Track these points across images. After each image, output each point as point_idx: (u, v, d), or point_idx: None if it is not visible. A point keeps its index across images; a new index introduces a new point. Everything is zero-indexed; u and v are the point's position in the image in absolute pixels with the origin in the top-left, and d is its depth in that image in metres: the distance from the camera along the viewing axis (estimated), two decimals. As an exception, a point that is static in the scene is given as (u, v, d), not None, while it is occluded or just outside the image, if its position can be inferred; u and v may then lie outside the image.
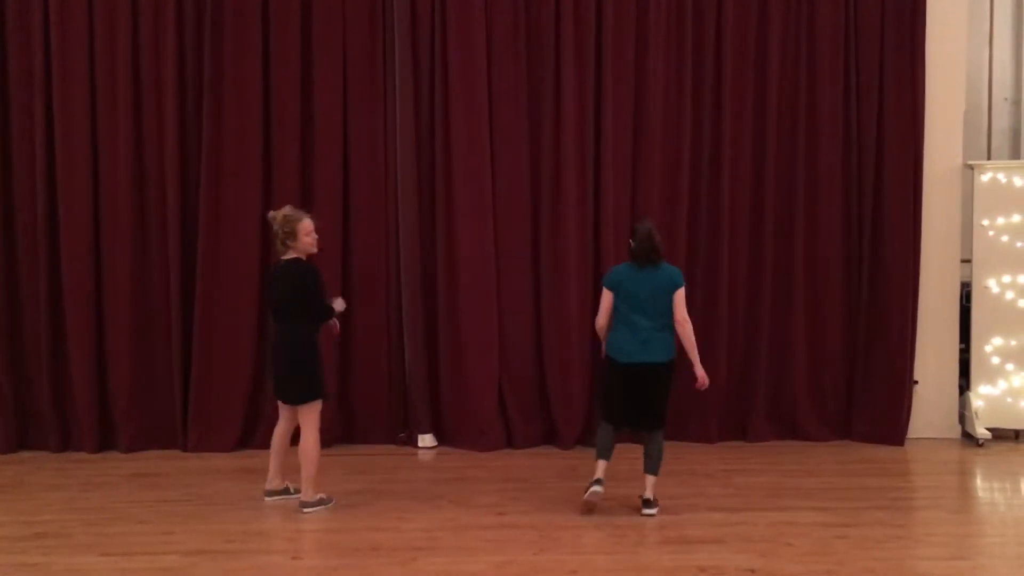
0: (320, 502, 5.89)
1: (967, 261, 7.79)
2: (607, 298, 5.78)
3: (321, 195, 7.41)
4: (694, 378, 5.78)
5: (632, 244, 5.77)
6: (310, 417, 5.80)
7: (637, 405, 5.74)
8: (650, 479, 5.80)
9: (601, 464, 5.80)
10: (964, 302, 7.85)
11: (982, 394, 7.70)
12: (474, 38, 7.34)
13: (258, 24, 7.30)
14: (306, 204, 7.39)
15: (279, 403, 5.96)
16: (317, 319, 5.84)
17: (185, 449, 7.34)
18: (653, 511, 5.75)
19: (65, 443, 7.39)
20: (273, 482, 6.10)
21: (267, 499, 6.05)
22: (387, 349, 7.54)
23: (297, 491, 6.13)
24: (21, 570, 4.91)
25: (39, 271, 7.26)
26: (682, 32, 7.57)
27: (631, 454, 7.25)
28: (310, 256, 5.87)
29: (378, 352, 7.52)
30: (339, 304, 6.01)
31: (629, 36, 7.49)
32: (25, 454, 7.31)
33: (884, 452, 7.43)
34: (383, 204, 7.50)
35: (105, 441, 7.38)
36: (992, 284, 7.67)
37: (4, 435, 7.30)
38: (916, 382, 7.73)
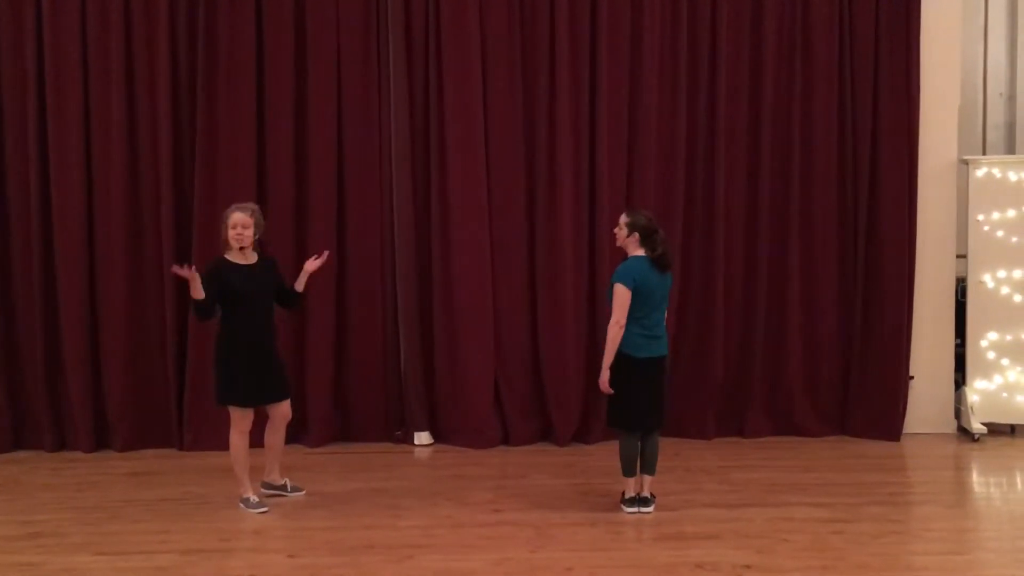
0: (244, 501, 5.86)
1: (962, 256, 7.79)
2: (628, 297, 5.58)
3: (315, 191, 7.39)
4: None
5: (655, 248, 5.63)
6: (231, 419, 5.79)
7: (651, 402, 5.71)
8: (648, 479, 5.80)
9: (633, 481, 5.79)
10: (959, 297, 7.85)
11: (978, 389, 7.70)
12: (468, 32, 7.31)
13: (252, 22, 7.27)
14: (300, 201, 7.45)
15: None
16: (196, 315, 5.73)
17: (180, 448, 7.32)
18: (651, 508, 5.75)
19: (60, 442, 7.37)
20: (271, 475, 6.13)
21: (262, 489, 6.08)
22: (382, 346, 7.52)
23: (295, 489, 6.14)
24: (16, 570, 4.90)
25: (33, 268, 7.23)
26: (676, 27, 7.55)
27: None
28: (261, 253, 5.88)
29: (373, 349, 7.51)
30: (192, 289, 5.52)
31: (624, 31, 7.47)
32: (20, 453, 7.29)
33: (880, 447, 7.43)
34: (378, 200, 7.47)
35: (100, 440, 7.36)
36: (987, 279, 7.67)
37: (-1, 435, 7.29)
38: (912, 377, 7.73)
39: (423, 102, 7.46)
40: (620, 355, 5.63)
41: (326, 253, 6.12)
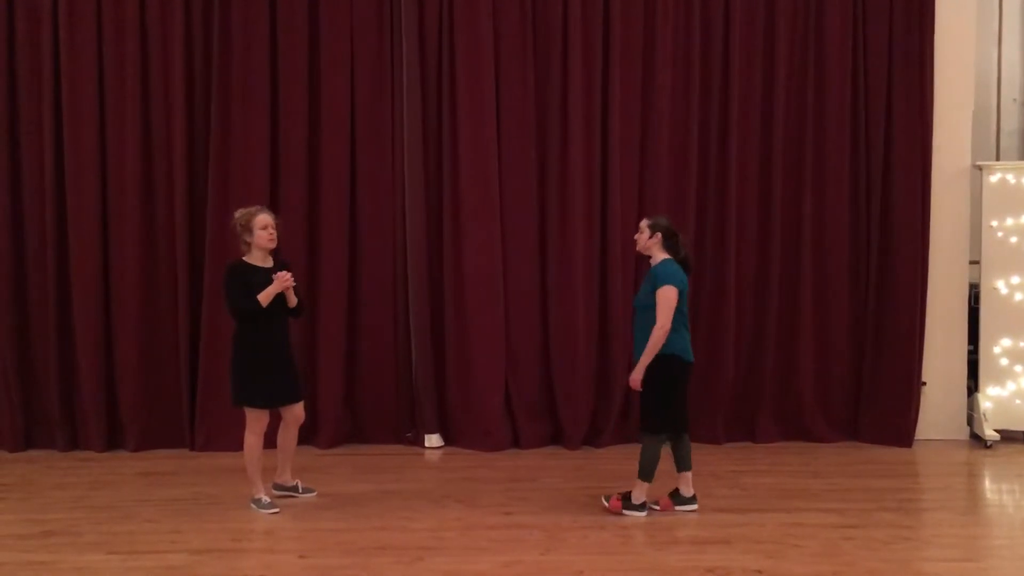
0: (256, 502, 5.87)
1: (975, 262, 7.77)
2: (676, 297, 5.55)
3: (328, 196, 7.43)
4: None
5: (679, 251, 5.69)
6: (247, 420, 5.80)
7: (686, 404, 5.78)
8: (689, 475, 5.82)
9: (650, 487, 5.78)
10: (972, 303, 7.82)
11: (990, 395, 7.67)
12: (481, 38, 7.34)
13: (266, 26, 7.31)
14: (313, 206, 7.47)
15: None
16: (237, 319, 5.73)
17: (192, 448, 7.36)
18: (696, 506, 5.81)
19: (73, 442, 7.41)
20: (283, 476, 6.16)
21: (274, 490, 6.11)
22: (394, 349, 7.54)
23: (306, 491, 6.16)
24: (29, 568, 4.92)
25: (47, 269, 7.28)
26: (690, 33, 7.56)
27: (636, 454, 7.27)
28: (275, 256, 5.83)
29: (385, 352, 7.53)
30: (272, 289, 5.61)
31: (637, 37, 7.48)
32: (33, 453, 7.34)
33: (892, 453, 7.41)
34: (391, 204, 7.49)
35: (113, 440, 7.40)
36: (1001, 285, 7.64)
37: (12, 434, 7.32)
38: (924, 383, 7.71)
39: (436, 107, 7.49)
40: (672, 359, 5.58)
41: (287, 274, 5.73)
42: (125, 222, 7.30)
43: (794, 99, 7.66)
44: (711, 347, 7.61)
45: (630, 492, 5.79)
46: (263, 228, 5.72)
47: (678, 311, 5.56)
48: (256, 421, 5.79)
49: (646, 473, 5.72)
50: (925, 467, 7.17)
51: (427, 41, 7.44)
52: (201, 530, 5.49)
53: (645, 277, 5.81)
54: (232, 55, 7.29)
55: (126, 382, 7.34)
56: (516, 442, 7.53)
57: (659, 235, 5.68)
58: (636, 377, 5.63)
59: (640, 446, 5.76)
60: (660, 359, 5.58)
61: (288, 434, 6.03)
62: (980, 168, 7.73)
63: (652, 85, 7.52)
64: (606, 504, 5.80)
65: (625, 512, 5.74)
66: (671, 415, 5.68)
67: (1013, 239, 7.62)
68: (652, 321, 5.55)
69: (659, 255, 5.70)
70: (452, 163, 7.46)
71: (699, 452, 7.25)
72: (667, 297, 5.52)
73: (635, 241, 5.84)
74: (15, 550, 5.18)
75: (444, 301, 7.55)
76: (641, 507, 5.75)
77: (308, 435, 7.20)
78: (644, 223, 5.78)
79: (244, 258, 5.79)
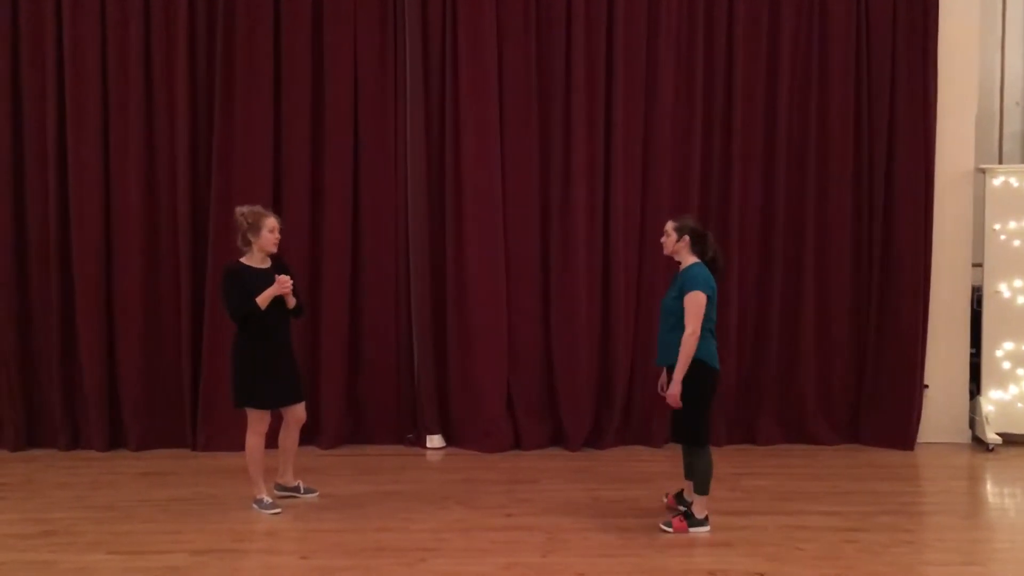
0: (258, 502, 5.88)
1: (978, 265, 7.77)
2: (705, 304, 5.28)
3: (331, 197, 7.43)
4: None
5: (707, 251, 5.45)
6: (248, 421, 5.80)
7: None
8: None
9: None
10: (975, 306, 7.82)
11: (992, 399, 7.67)
12: (484, 31, 7.33)
13: (270, 23, 7.32)
14: (316, 206, 7.47)
15: None
16: (236, 321, 5.70)
17: (194, 448, 7.36)
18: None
19: (74, 441, 7.42)
20: (284, 477, 6.16)
21: (275, 491, 6.13)
22: (396, 350, 7.54)
23: (308, 491, 6.16)
24: (30, 567, 4.93)
25: (50, 268, 7.29)
26: (692, 34, 7.56)
27: (641, 456, 7.27)
28: (273, 256, 5.81)
29: (387, 353, 7.53)
30: (271, 291, 5.62)
31: (640, 36, 7.48)
32: (34, 452, 7.34)
33: (893, 456, 7.41)
34: (393, 204, 7.50)
35: (114, 440, 7.41)
36: (1003, 288, 7.64)
37: (14, 433, 7.33)
38: (926, 386, 7.70)
39: (439, 105, 7.48)
40: (704, 367, 5.35)
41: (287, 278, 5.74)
42: (128, 221, 7.30)
43: (797, 101, 7.66)
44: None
45: (689, 511, 5.58)
46: (271, 231, 5.72)
47: (706, 317, 5.31)
48: (257, 422, 5.79)
49: (704, 487, 5.49)
50: (927, 470, 7.17)
51: (430, 35, 7.43)
52: (202, 530, 5.49)
53: (673, 279, 5.57)
54: (235, 51, 7.28)
55: (128, 382, 7.34)
56: (517, 443, 7.53)
57: (687, 238, 5.43)
58: (674, 393, 5.32)
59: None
60: (690, 367, 5.31)
61: (289, 435, 6.04)
62: (983, 171, 7.73)
63: (655, 82, 7.50)
64: (669, 530, 5.47)
65: (691, 531, 5.49)
66: (706, 424, 5.47)
67: (1016, 242, 7.61)
68: (677, 326, 5.34)
69: (688, 259, 5.45)
70: (455, 164, 7.44)
71: (701, 454, 7.28)
72: (696, 303, 5.26)
73: (687, 240, 5.49)
74: (16, 549, 5.18)
75: (446, 302, 7.54)
76: (705, 521, 5.53)
77: (310, 436, 7.20)
78: (670, 225, 5.51)
79: (242, 259, 5.78)
